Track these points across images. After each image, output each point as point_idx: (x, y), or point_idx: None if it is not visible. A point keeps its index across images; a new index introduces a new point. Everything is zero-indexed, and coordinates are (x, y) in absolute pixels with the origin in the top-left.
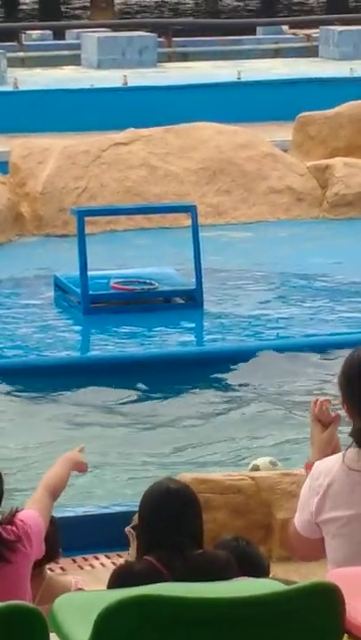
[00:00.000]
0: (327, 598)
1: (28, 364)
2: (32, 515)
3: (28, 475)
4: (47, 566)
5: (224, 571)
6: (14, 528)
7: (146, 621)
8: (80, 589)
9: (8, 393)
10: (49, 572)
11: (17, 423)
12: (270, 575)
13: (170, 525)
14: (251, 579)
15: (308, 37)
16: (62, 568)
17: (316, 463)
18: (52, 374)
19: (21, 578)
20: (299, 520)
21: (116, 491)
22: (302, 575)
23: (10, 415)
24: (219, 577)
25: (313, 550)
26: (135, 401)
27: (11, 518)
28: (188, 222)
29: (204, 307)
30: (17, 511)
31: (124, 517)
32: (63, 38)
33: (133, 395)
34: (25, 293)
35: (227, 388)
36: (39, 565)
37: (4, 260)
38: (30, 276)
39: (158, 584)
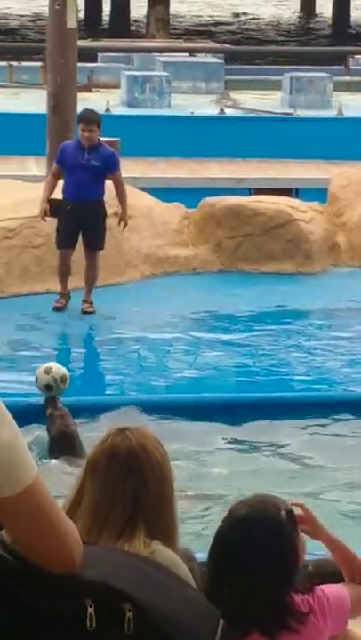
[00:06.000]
0: None
1: (333, 399)
2: (340, 592)
3: None
4: None
5: None
6: (311, 599)
7: None
8: None
9: (312, 426)
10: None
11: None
12: None
13: None
14: None
15: None
16: None
17: None
18: (352, 411)
19: None
20: None
21: None
22: None
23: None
24: None
25: None
26: None
27: (311, 587)
28: None
29: None
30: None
31: None
32: None
33: None
34: (335, 325)
35: None
36: None
37: (317, 290)
38: (342, 308)
39: None
